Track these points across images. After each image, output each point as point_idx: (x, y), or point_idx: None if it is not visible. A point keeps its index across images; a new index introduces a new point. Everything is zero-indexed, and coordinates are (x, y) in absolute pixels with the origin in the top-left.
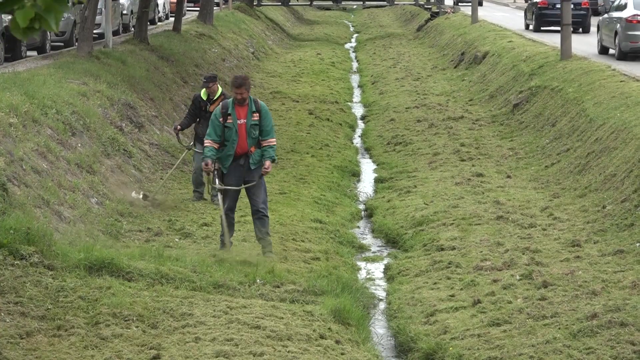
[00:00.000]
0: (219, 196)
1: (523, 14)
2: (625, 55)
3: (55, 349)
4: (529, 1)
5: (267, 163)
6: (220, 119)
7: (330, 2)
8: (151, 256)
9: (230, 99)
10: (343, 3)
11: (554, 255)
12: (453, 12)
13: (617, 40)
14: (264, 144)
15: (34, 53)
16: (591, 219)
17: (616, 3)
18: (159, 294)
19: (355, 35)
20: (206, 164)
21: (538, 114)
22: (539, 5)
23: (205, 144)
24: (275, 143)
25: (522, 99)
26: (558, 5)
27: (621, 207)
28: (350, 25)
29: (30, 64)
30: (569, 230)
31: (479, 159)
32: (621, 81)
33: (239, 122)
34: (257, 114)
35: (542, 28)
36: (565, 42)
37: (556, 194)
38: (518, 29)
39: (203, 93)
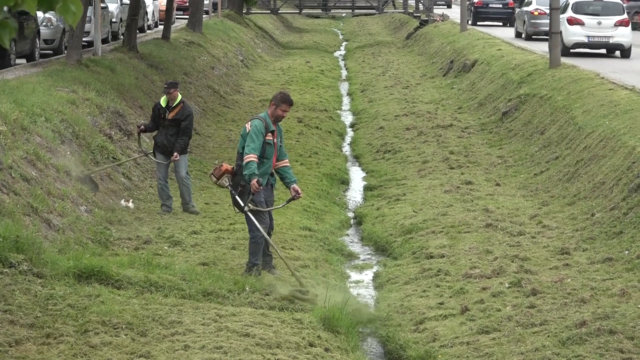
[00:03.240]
0: (252, 217)
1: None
2: (530, 37)
3: (45, 357)
4: (469, 1)
5: (298, 188)
6: (264, 136)
7: (320, 11)
8: (140, 264)
9: (263, 115)
10: (332, 11)
11: (543, 263)
12: (442, 21)
13: (525, 27)
14: (283, 165)
15: (23, 61)
16: (580, 227)
17: (526, 0)
18: (148, 302)
19: (344, 44)
20: (259, 183)
21: (527, 122)
22: (475, 5)
23: (249, 159)
24: None
25: (511, 107)
26: (491, 5)
27: (610, 214)
28: (340, 33)
29: (19, 72)
30: (557, 238)
31: (468, 166)
32: (610, 89)
33: (274, 140)
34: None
35: (478, 23)
36: (554, 51)
37: (545, 201)
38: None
39: (163, 100)
